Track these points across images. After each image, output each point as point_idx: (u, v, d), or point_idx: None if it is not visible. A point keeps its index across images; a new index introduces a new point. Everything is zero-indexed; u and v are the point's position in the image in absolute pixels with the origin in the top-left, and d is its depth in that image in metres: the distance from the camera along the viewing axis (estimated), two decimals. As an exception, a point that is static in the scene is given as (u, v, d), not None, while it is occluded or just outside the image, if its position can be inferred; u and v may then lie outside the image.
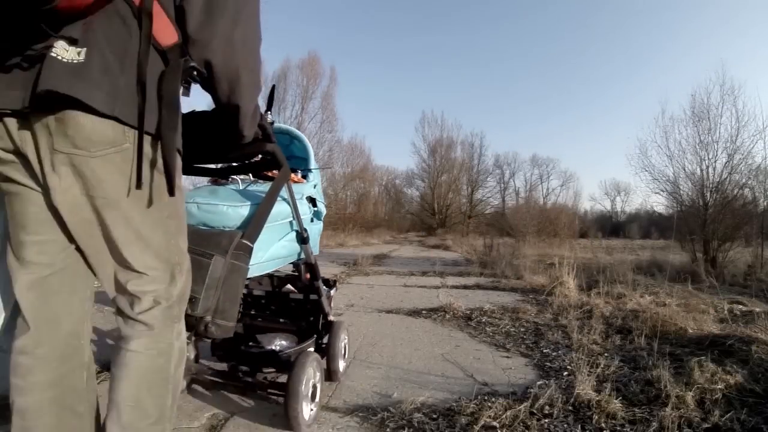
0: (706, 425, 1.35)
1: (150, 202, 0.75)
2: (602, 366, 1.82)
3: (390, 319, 2.96)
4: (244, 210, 1.14)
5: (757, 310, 2.94)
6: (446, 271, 6.26)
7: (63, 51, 0.64)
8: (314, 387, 1.34)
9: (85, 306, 0.81)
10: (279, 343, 1.51)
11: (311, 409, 1.32)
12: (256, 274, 1.26)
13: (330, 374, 1.65)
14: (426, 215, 31.69)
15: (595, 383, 1.61)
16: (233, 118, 0.91)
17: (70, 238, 0.75)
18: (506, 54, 57.08)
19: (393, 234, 23.77)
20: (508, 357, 2.15)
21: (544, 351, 2.23)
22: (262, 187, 1.32)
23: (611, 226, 35.89)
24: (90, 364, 0.81)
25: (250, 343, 1.51)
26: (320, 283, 1.56)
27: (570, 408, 1.47)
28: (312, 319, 1.64)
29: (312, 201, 1.48)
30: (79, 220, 0.72)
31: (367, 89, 56.77)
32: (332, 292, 1.72)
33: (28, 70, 0.65)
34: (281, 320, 1.67)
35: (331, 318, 1.67)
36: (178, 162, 0.78)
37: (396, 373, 1.86)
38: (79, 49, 0.65)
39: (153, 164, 0.74)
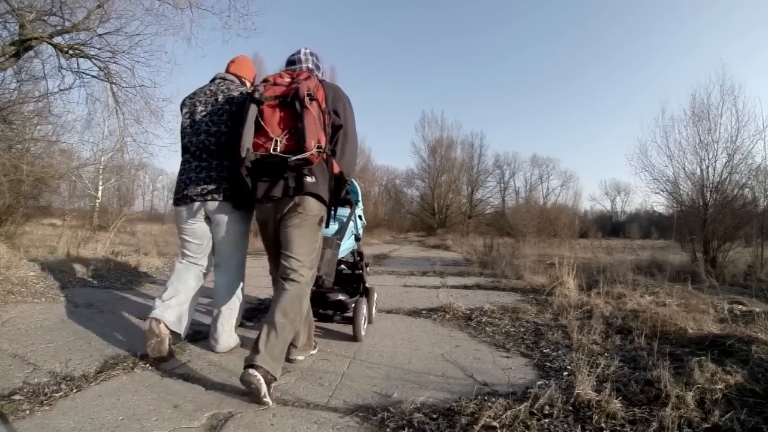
0: (706, 425, 1.35)
1: (318, 231, 1.83)
2: (602, 366, 1.82)
3: (390, 319, 2.96)
4: (335, 226, 2.17)
5: (757, 310, 2.94)
6: (446, 271, 6.25)
7: (307, 178, 1.71)
8: (365, 317, 2.43)
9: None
10: (341, 297, 2.42)
11: (363, 330, 2.38)
12: (339, 258, 2.35)
13: (369, 318, 2.62)
14: (426, 215, 31.62)
15: (595, 383, 1.61)
16: (342, 186, 1.90)
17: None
18: (506, 54, 57.16)
19: (393, 234, 23.67)
20: (508, 357, 2.15)
21: (544, 351, 2.23)
22: (339, 212, 2.23)
23: (611, 226, 35.93)
24: None
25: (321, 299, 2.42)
26: (363, 263, 2.64)
27: (570, 408, 1.47)
28: (356, 285, 2.61)
29: (360, 217, 2.59)
30: (291, 234, 1.75)
31: (367, 89, 56.73)
32: (368, 269, 2.81)
33: (285, 182, 1.72)
34: (335, 287, 2.50)
35: (368, 285, 2.65)
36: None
37: (396, 373, 1.86)
38: (312, 176, 1.72)
39: (325, 215, 1.85)
